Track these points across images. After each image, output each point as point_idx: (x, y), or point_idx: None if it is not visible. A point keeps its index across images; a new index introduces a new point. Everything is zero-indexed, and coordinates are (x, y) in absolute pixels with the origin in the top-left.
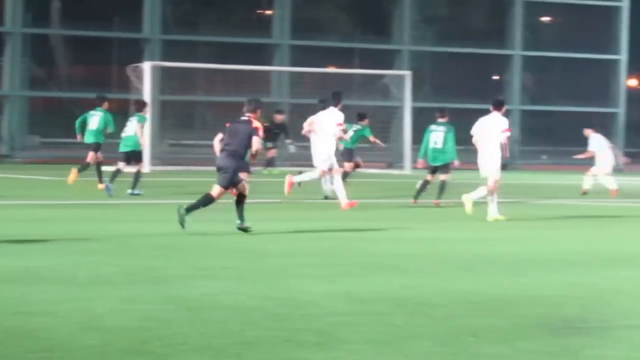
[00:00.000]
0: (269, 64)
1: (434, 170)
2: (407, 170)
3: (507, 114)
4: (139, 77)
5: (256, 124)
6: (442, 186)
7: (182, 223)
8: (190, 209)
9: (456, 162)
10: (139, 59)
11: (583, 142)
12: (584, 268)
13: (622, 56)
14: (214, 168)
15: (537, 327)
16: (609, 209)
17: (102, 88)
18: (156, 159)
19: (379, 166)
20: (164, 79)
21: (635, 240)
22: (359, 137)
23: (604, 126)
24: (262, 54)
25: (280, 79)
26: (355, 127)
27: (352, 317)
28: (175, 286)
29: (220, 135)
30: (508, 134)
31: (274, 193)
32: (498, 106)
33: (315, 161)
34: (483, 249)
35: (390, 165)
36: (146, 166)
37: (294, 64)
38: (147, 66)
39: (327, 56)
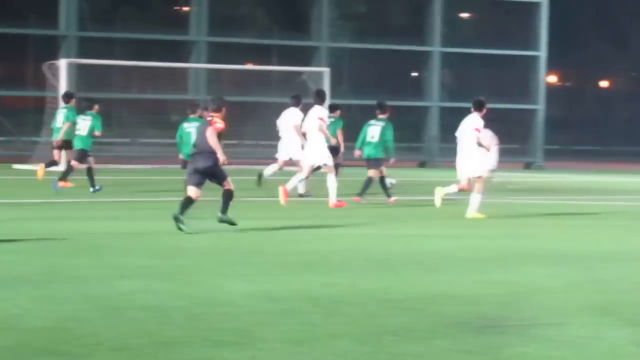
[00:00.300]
0: (187, 61)
1: (371, 165)
2: None
3: (487, 115)
4: (55, 74)
5: (218, 122)
6: (368, 183)
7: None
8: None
9: (392, 160)
10: (55, 56)
11: (504, 138)
12: (503, 266)
13: (542, 53)
14: (131, 166)
15: (456, 326)
16: (527, 205)
17: (17, 86)
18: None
19: (296, 163)
20: (81, 76)
21: (553, 238)
22: (334, 129)
23: (524, 123)
24: (179, 51)
25: (198, 76)
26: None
27: (270, 316)
28: (92, 285)
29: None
30: (477, 133)
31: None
32: (478, 107)
33: (307, 159)
34: (402, 246)
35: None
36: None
37: (211, 61)
38: (63, 63)
39: (246, 53)
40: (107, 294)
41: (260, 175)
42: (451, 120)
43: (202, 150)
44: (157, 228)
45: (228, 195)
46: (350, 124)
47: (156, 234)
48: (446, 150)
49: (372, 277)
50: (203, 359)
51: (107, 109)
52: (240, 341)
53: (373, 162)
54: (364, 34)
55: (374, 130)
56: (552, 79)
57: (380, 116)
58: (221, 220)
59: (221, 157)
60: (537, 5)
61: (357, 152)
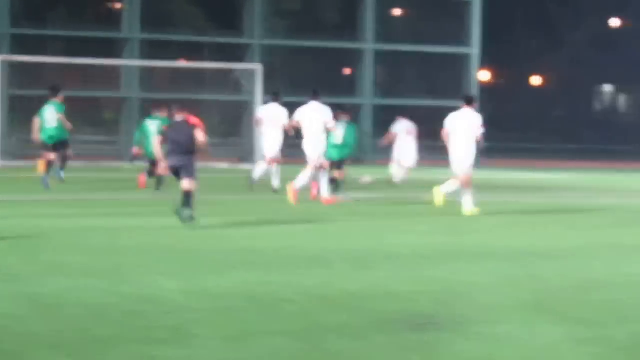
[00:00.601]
0: (120, 57)
1: (335, 166)
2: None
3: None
4: None
5: (194, 120)
6: (339, 184)
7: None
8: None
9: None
10: None
11: (438, 137)
12: (438, 262)
13: (474, 50)
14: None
15: (392, 323)
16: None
17: None
18: (7, 154)
19: (230, 161)
20: (14, 73)
21: (490, 235)
22: None
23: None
24: (112, 49)
25: (131, 73)
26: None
27: (206, 314)
28: (27, 283)
29: (159, 139)
30: (483, 130)
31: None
32: (469, 102)
33: (309, 156)
34: (337, 243)
35: (241, 160)
36: None
37: (144, 58)
38: None
39: (179, 50)
40: (42, 291)
41: (249, 179)
42: (384, 118)
43: (186, 150)
44: (92, 225)
45: (188, 194)
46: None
47: (92, 231)
48: (379, 148)
49: (308, 274)
50: (139, 357)
51: (40, 106)
52: (176, 339)
53: (337, 163)
54: (297, 31)
55: (338, 132)
56: (485, 76)
57: (343, 118)
58: (177, 213)
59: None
60: (469, 2)
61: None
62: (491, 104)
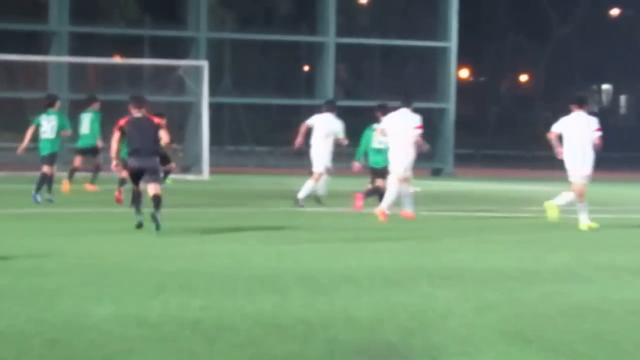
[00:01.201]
0: (47, 53)
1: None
2: (205, 174)
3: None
4: None
5: (156, 119)
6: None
7: (157, 226)
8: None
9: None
10: None
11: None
12: (408, 286)
13: (451, 44)
14: None
15: (354, 354)
16: (435, 218)
17: None
18: None
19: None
20: None
21: (464, 254)
22: None
23: (432, 124)
24: (38, 43)
25: (59, 70)
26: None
27: (143, 343)
28: None
29: (118, 135)
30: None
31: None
32: (581, 104)
33: (395, 169)
34: (290, 263)
35: (185, 169)
36: None
37: (74, 53)
38: None
39: (113, 45)
40: None
41: (317, 198)
42: (347, 121)
43: (151, 151)
44: (12, 243)
45: (158, 198)
46: (235, 126)
47: (12, 249)
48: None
49: (258, 299)
50: None
51: None
52: None
53: (382, 171)
54: (247, 23)
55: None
56: (464, 73)
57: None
58: (153, 218)
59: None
60: None
61: (357, 165)
62: (470, 106)
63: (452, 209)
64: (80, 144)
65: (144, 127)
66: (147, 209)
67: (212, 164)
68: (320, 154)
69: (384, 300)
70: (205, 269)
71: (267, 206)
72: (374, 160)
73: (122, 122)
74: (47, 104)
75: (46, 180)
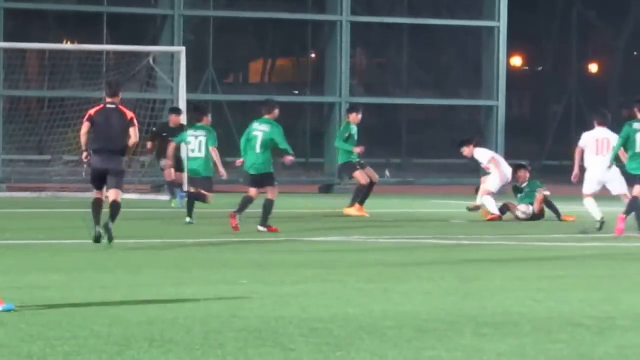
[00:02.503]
0: None
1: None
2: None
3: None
4: None
5: (129, 112)
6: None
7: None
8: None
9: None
10: None
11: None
12: (447, 338)
13: (500, 23)
14: None
15: None
16: (481, 249)
17: None
18: None
19: (139, 190)
20: None
21: (522, 295)
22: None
23: (475, 126)
24: None
25: None
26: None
27: None
28: None
29: (87, 126)
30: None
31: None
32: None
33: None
34: (295, 309)
35: (155, 189)
36: None
37: (10, 37)
38: None
39: (61, 26)
40: None
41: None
42: (371, 123)
43: (117, 148)
44: None
45: (117, 206)
46: (221, 131)
47: None
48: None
49: (253, 357)
50: None
51: None
52: None
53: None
54: None
55: None
56: (516, 61)
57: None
58: (106, 228)
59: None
60: None
61: None
62: (524, 102)
63: (501, 235)
64: None
65: (113, 121)
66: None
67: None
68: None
69: (416, 356)
70: (184, 318)
71: (262, 234)
72: None
73: (91, 111)
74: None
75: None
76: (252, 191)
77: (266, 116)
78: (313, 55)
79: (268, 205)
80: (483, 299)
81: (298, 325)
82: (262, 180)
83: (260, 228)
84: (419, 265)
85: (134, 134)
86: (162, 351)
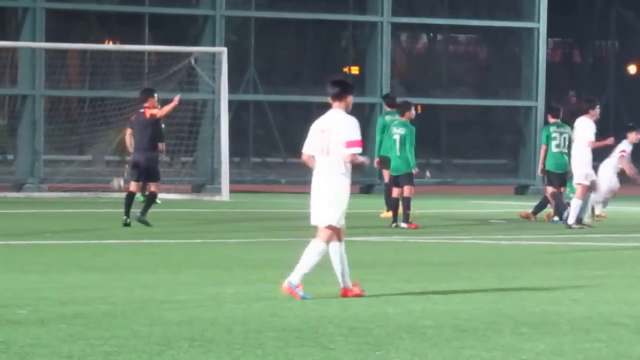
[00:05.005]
0: (16, 38)
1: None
2: (224, 194)
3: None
4: None
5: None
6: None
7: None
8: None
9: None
10: None
11: (485, 150)
12: (487, 337)
13: (540, 24)
14: None
15: None
16: (521, 249)
17: None
18: None
19: (179, 190)
20: None
21: (561, 295)
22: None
23: (515, 127)
24: (4, 23)
25: (32, 59)
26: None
27: None
28: None
29: (129, 131)
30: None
31: None
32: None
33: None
34: (335, 309)
35: (196, 190)
36: None
37: (52, 37)
38: None
39: (103, 26)
40: None
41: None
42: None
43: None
44: None
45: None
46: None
47: None
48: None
49: (293, 356)
50: None
51: None
52: None
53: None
54: None
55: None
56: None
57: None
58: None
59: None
60: None
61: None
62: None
63: (539, 236)
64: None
65: (140, 123)
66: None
67: (233, 181)
68: None
69: (456, 355)
70: (224, 317)
71: (303, 235)
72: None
73: (132, 117)
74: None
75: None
76: (396, 191)
77: (402, 118)
78: (353, 56)
79: (407, 203)
80: (522, 299)
81: (338, 325)
82: (402, 180)
83: (404, 225)
84: (458, 265)
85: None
86: (202, 351)
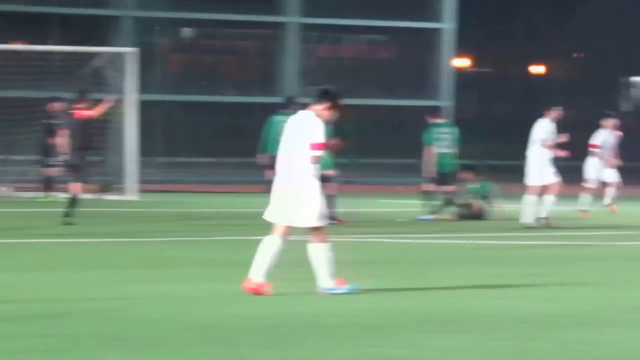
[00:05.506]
0: None
1: None
2: (132, 193)
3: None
4: None
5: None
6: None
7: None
8: None
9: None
10: None
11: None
12: (391, 335)
13: (448, 24)
14: None
15: None
16: (426, 247)
17: None
18: None
19: (89, 189)
20: None
21: (465, 293)
22: None
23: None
24: None
25: None
26: None
27: None
28: None
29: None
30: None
31: None
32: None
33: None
34: (240, 308)
35: (105, 189)
36: None
37: None
38: None
39: (9, 27)
40: None
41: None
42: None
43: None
44: None
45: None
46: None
47: None
48: None
49: (198, 354)
50: None
51: None
52: None
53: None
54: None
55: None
56: (463, 63)
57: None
58: None
59: None
60: None
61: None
62: (471, 104)
63: (442, 235)
64: None
65: (74, 124)
66: None
67: (141, 180)
68: None
69: (359, 352)
70: (131, 316)
71: (210, 233)
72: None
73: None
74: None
75: None
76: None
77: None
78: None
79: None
80: (426, 297)
81: (243, 323)
82: (448, 178)
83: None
84: (364, 264)
85: None
86: (108, 349)
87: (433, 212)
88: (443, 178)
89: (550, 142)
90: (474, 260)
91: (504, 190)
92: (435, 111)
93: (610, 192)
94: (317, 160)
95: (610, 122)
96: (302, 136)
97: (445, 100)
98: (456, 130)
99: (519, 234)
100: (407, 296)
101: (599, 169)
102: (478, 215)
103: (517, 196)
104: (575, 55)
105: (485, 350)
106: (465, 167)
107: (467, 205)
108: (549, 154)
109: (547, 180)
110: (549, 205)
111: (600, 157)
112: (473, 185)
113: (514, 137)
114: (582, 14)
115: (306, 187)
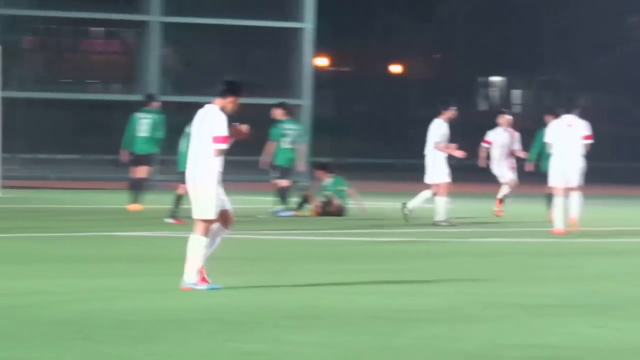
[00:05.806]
0: None
1: None
2: None
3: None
4: None
5: None
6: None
7: None
8: None
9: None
10: None
11: (251, 148)
12: (251, 330)
13: (307, 24)
14: None
15: None
16: (288, 243)
17: None
18: None
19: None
20: None
21: (324, 289)
22: None
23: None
24: None
25: None
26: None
27: None
28: None
29: None
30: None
31: None
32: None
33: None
34: (103, 303)
35: None
36: None
37: None
38: None
39: None
40: None
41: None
42: (181, 121)
43: None
44: None
45: None
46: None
47: None
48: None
49: (61, 349)
50: None
51: None
52: None
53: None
54: None
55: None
56: (322, 62)
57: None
58: None
59: None
60: None
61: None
62: (330, 102)
63: (303, 231)
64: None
65: None
66: None
67: (3, 176)
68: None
69: (219, 347)
70: None
71: (74, 230)
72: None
73: None
74: None
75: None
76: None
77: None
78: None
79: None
80: (286, 293)
81: (104, 318)
82: (285, 172)
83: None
84: (224, 259)
85: None
86: None
87: (291, 209)
88: (282, 172)
89: (443, 144)
90: (334, 257)
91: (362, 188)
92: (281, 107)
93: (504, 190)
94: (219, 153)
95: (504, 119)
96: (205, 130)
97: (305, 99)
98: (301, 127)
99: (378, 231)
100: (268, 292)
101: (495, 165)
102: (337, 212)
103: (379, 194)
104: (433, 55)
105: (343, 345)
106: (318, 166)
107: (327, 203)
108: (442, 154)
109: (439, 180)
110: (442, 205)
111: (493, 155)
112: (326, 183)
113: (372, 135)
114: (441, 14)
115: (204, 179)
